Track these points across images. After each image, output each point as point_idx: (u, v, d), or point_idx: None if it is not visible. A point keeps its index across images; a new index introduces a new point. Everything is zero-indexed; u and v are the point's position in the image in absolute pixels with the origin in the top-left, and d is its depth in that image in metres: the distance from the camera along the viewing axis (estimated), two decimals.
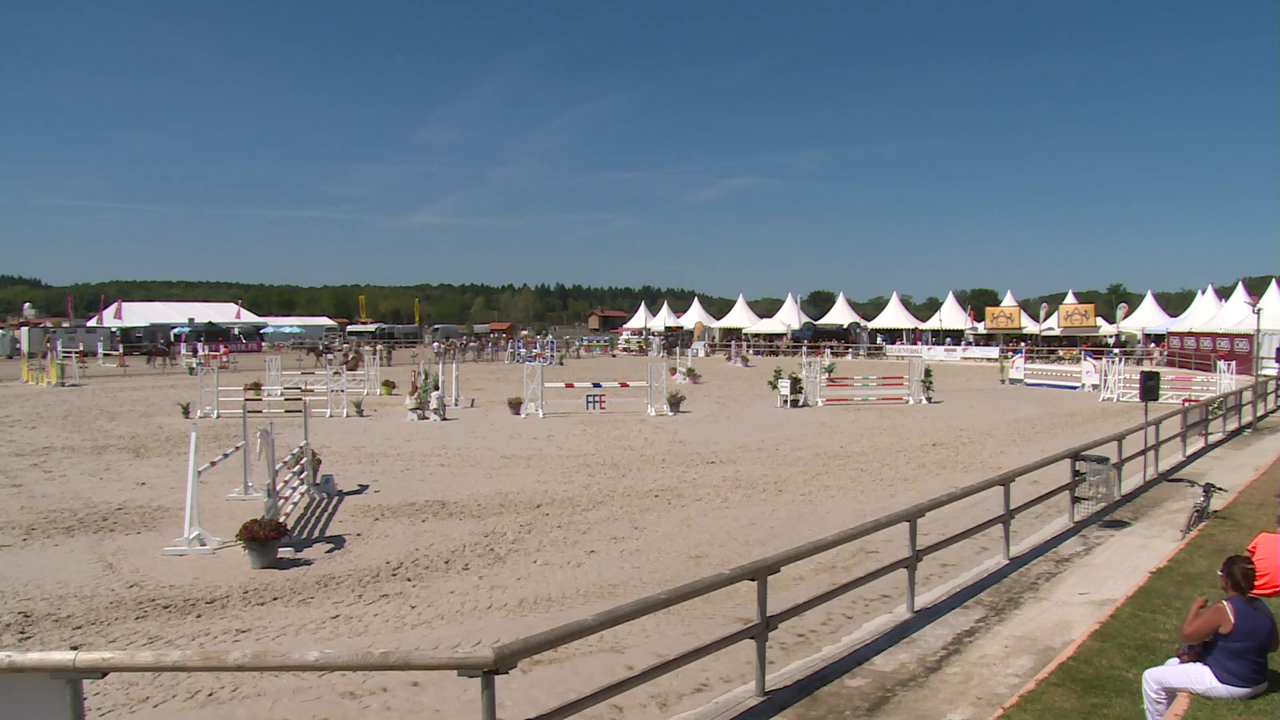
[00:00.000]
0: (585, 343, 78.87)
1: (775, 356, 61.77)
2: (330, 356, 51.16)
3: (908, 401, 29.15)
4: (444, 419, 24.40)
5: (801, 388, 28.59)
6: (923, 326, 69.00)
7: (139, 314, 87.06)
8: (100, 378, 43.56)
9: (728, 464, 17.21)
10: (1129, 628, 7.26)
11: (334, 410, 25.84)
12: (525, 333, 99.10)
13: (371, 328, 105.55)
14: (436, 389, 25.58)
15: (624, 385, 28.33)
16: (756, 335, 72.51)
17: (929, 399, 29.37)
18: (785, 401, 27.93)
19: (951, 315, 67.70)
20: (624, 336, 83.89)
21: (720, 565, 10.11)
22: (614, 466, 16.90)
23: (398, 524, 12.24)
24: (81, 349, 54.21)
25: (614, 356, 70.39)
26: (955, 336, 65.38)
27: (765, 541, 11.29)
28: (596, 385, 27.69)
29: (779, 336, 70.90)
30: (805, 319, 74.18)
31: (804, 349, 51.20)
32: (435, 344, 71.59)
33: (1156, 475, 14.60)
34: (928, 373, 30.44)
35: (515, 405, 25.93)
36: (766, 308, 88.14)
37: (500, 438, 20.91)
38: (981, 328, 63.87)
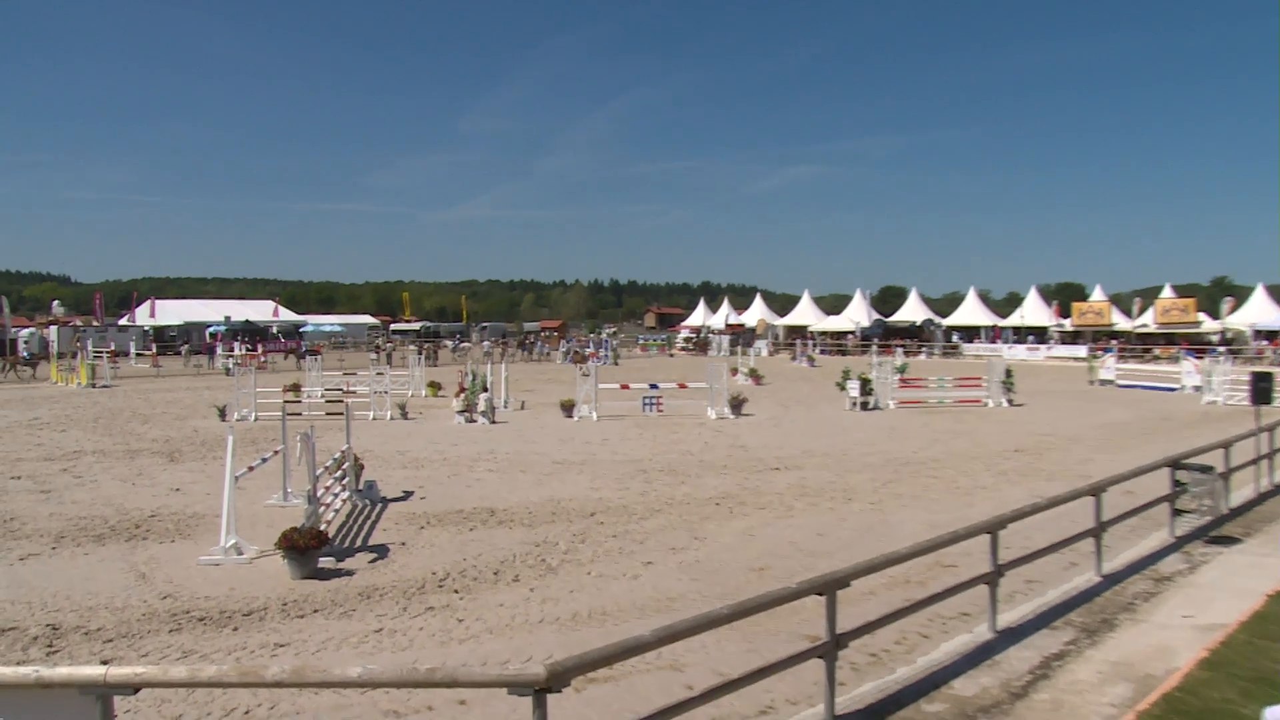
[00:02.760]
0: (641, 341, 79.10)
1: (843, 356, 61.22)
2: (374, 357, 51.95)
3: (986, 404, 28.72)
4: (492, 422, 24.63)
5: (872, 389, 28.36)
6: (1002, 323, 67.80)
7: (172, 312, 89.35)
8: (132, 378, 44.77)
9: (792, 470, 17.11)
10: (1243, 656, 6.99)
11: (377, 413, 26.26)
12: (582, 333, 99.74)
13: (416, 326, 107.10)
14: (484, 390, 25.83)
15: (682, 386, 28.29)
16: (823, 333, 72.04)
17: (1010, 401, 28.90)
18: (854, 404, 27.74)
19: (1034, 311, 66.37)
20: (682, 335, 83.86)
21: (785, 578, 10.01)
22: (672, 472, 16.89)
23: (444, 532, 12.35)
24: (113, 348, 55.63)
25: (671, 356, 70.29)
26: (1038, 334, 64.13)
27: (833, 553, 11.16)
28: (653, 386, 27.68)
29: (847, 334, 70.29)
30: (875, 316, 73.44)
31: (874, 348, 50.61)
32: (484, 343, 72.37)
33: (1271, 487, 14.13)
34: (1008, 373, 29.92)
35: (568, 408, 26.10)
36: (833, 304, 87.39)
37: (552, 442, 21.04)
38: (1068, 324, 62.56)
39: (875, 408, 27.91)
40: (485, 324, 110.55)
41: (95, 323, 78.71)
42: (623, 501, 14.30)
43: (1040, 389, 35.40)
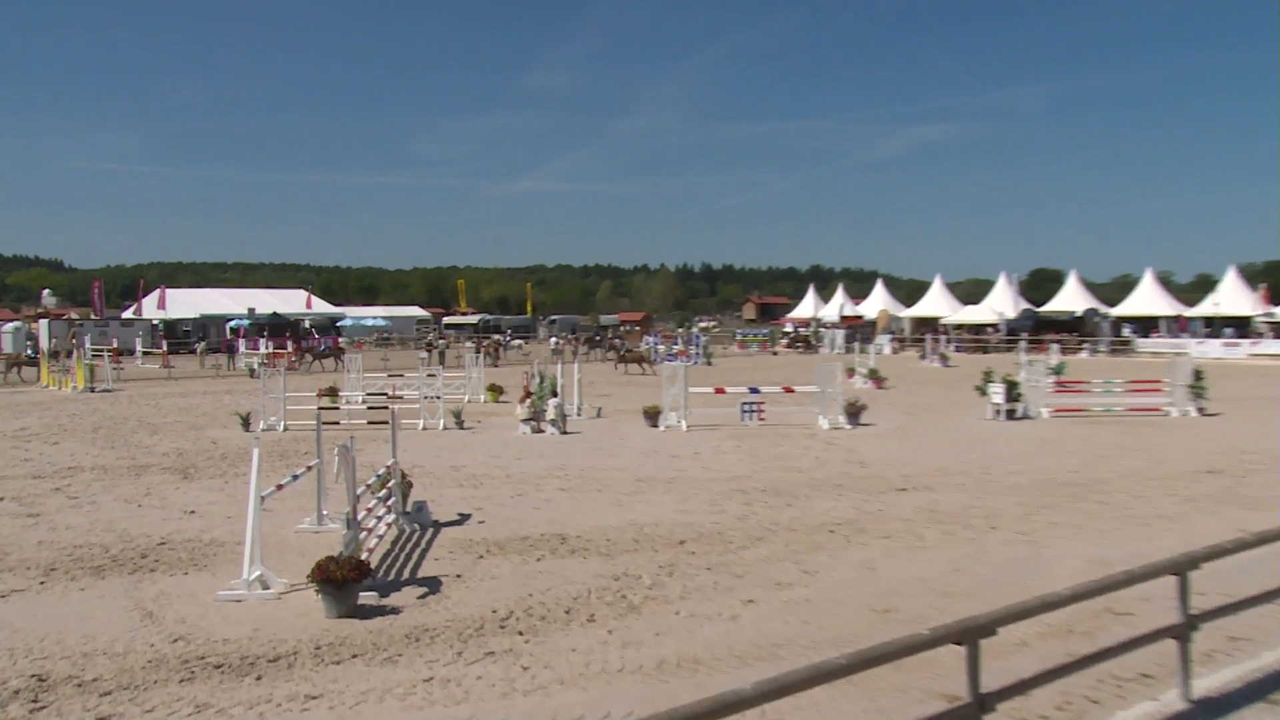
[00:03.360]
0: (739, 337, 78.99)
1: (984, 354, 60.35)
2: (424, 356, 52.89)
3: (1169, 413, 27.99)
4: (563, 432, 24.96)
5: (1020, 394, 27.99)
6: (1189, 313, 65.95)
7: (186, 303, 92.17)
8: (139, 381, 46.34)
9: (922, 491, 16.93)
10: None
11: (428, 421, 26.77)
12: (668, 327, 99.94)
13: (473, 319, 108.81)
14: (554, 395, 26.17)
15: (788, 391, 28.18)
16: (959, 326, 71.29)
17: (1200, 410, 28.11)
18: (998, 412, 27.44)
19: (1233, 297, 64.25)
20: (787, 328, 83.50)
21: (914, 622, 9.87)
22: (776, 493, 16.84)
23: (506, 563, 12.50)
24: (115, 346, 57.12)
25: (775, 354, 70.28)
26: (1239, 325, 62.14)
27: (973, 593, 10.98)
28: (753, 390, 27.62)
29: (988, 328, 69.40)
30: (1023, 305, 72.27)
31: (1022, 344, 49.68)
32: (552, 339, 73.18)
33: None
34: (1198, 374, 29.03)
35: (652, 415, 26.33)
36: (971, 291, 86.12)
37: (633, 455, 21.23)
38: (1278, 313, 60.51)
39: (1024, 417, 27.54)
40: (554, 316, 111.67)
41: (94, 316, 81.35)
42: (718, 527, 14.29)
43: (1242, 395, 34.43)
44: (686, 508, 15.69)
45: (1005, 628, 6.82)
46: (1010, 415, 27.39)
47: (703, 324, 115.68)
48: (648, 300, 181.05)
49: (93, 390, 39.93)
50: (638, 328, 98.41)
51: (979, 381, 30.00)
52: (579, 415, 28.37)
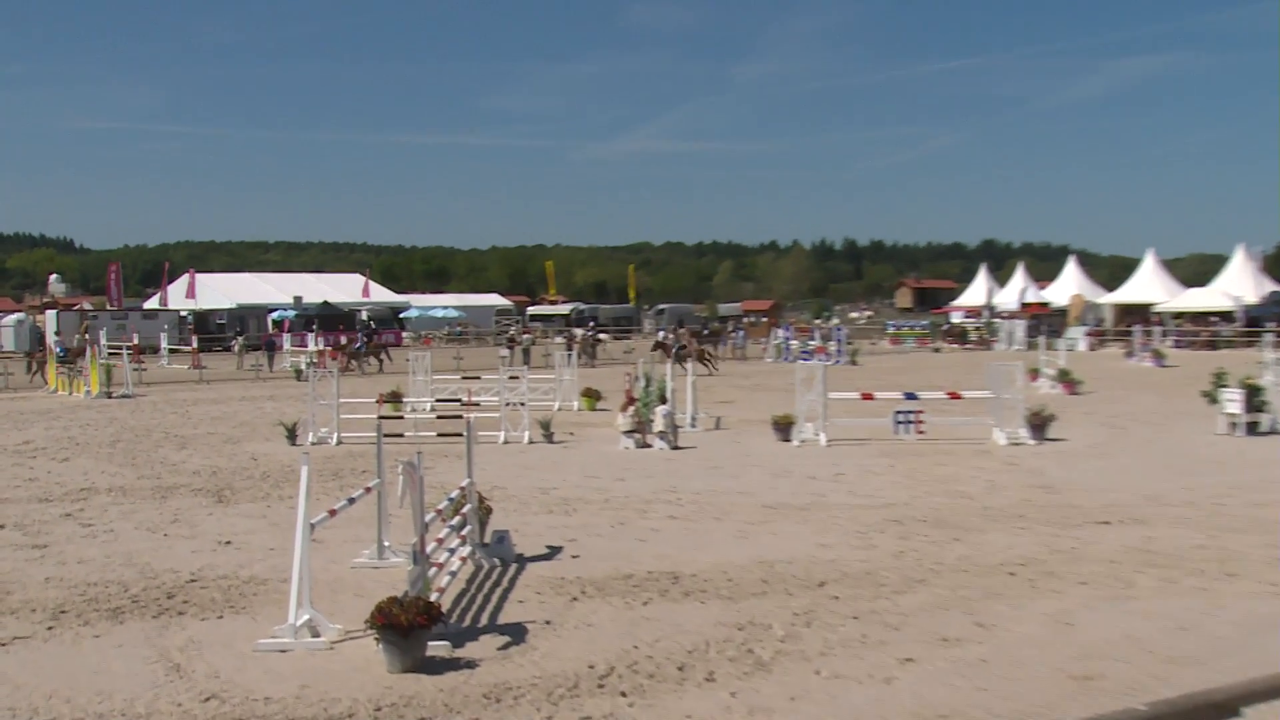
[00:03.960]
0: (891, 330, 78.30)
1: (1212, 350, 58.82)
2: (505, 354, 53.54)
3: None
4: (675, 446, 25.16)
5: (1265, 402, 27.26)
6: None
7: (220, 290, 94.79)
8: (164, 384, 47.75)
9: (1131, 525, 16.55)
10: None
11: (510, 433, 27.10)
12: (802, 318, 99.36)
13: (564, 308, 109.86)
14: (663, 401, 26.28)
15: (954, 397, 27.79)
16: (1178, 315, 69.82)
17: None
18: (1234, 425, 26.78)
19: None
20: (953, 318, 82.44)
21: (1123, 693, 9.64)
22: (940, 524, 16.64)
23: (606, 607, 12.53)
24: (135, 342, 58.50)
25: (937, 350, 69.86)
26: None
27: (1204, 660, 10.66)
28: (910, 396, 27.30)
29: (1218, 317, 67.56)
30: (1270, 286, 70.24)
31: (1267, 338, 48.18)
32: (661, 332, 73.43)
33: None
34: None
35: (784, 426, 26.30)
36: (1196, 270, 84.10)
37: (760, 476, 21.28)
38: None
39: (1272, 431, 26.85)
40: (663, 305, 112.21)
41: (110, 306, 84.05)
42: (866, 566, 14.13)
43: None
44: (827, 541, 15.58)
45: (1253, 707, 6.58)
46: (1252, 429, 26.66)
47: (852, 314, 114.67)
48: (777, 285, 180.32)
49: (109, 396, 41.16)
50: (764, 319, 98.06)
51: (1207, 386, 29.33)
52: (693, 426, 28.51)
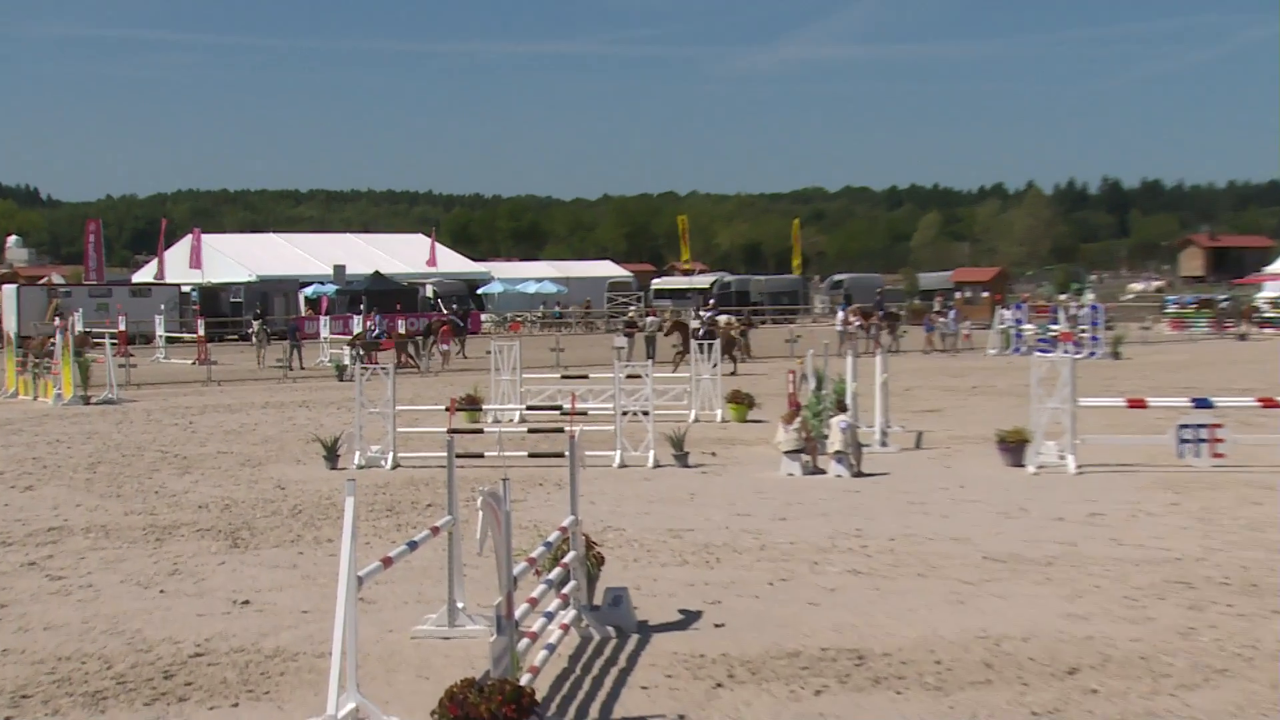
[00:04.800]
0: (1169, 307, 76.67)
1: None
2: (622, 344, 53.71)
3: None
4: (858, 472, 25.04)
5: None
6: None
7: (235, 257, 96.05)
8: (160, 385, 48.57)
9: None
10: None
11: (628, 452, 27.23)
12: (1045, 291, 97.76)
13: (702, 280, 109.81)
14: (842, 410, 26.03)
15: (1268, 404, 27.15)
16: None
17: None
18: None
19: None
20: (1267, 290, 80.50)
21: None
22: (1251, 590, 16.22)
23: (763, 697, 12.45)
24: (122, 328, 59.48)
25: (1242, 339, 68.99)
26: None
27: None
28: (1201, 404, 26.75)
29: None
30: None
31: None
32: (840, 312, 72.85)
33: None
34: None
35: (1014, 445, 26.02)
36: None
37: (981, 514, 21.12)
38: None
39: None
40: (840, 275, 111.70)
41: (88, 278, 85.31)
42: (1139, 647, 13.84)
43: None
44: (1080, 610, 15.29)
45: None
46: None
47: (1135, 285, 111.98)
48: (1004, 246, 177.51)
49: (86, 401, 42.00)
50: (985, 293, 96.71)
51: None
52: (884, 444, 28.39)
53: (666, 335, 53.03)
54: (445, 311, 75.99)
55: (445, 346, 58.09)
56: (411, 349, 56.88)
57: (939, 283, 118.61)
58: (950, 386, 43.67)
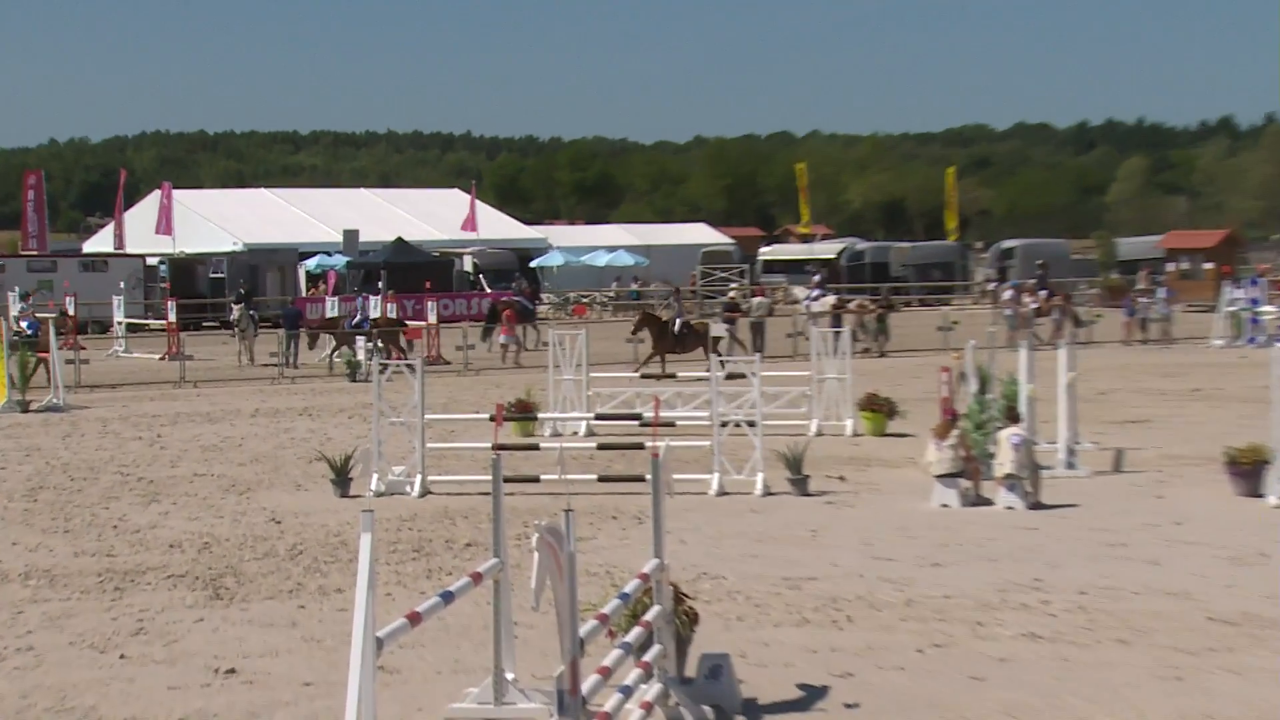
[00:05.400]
0: None
1: None
2: (721, 333, 53.68)
3: None
4: (1036, 503, 24.97)
5: None
6: None
7: (214, 218, 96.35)
8: (120, 387, 49.03)
9: None
10: None
11: (730, 476, 27.16)
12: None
13: (827, 250, 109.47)
14: (1013, 420, 25.95)
15: None
16: None
17: None
18: None
19: None
20: None
21: None
22: None
23: None
24: (71, 312, 60.25)
25: None
26: None
27: None
28: None
29: None
30: None
31: None
32: (1008, 291, 72.20)
33: None
34: None
35: (1247, 469, 25.77)
36: None
37: (1204, 561, 20.91)
38: None
39: None
40: (1010, 241, 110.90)
41: (26, 247, 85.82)
42: None
43: None
44: None
45: None
46: None
47: None
48: (1234, 200, 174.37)
49: (24, 408, 42.37)
50: (1208, 264, 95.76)
51: None
52: (1072, 466, 28.14)
53: (635, 334, 52.94)
54: (510, 290, 75.28)
55: (507, 338, 58.05)
56: (404, 341, 56.90)
57: (1144, 250, 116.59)
58: (1161, 389, 43.34)
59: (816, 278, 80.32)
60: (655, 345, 51.57)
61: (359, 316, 60.02)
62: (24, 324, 53.93)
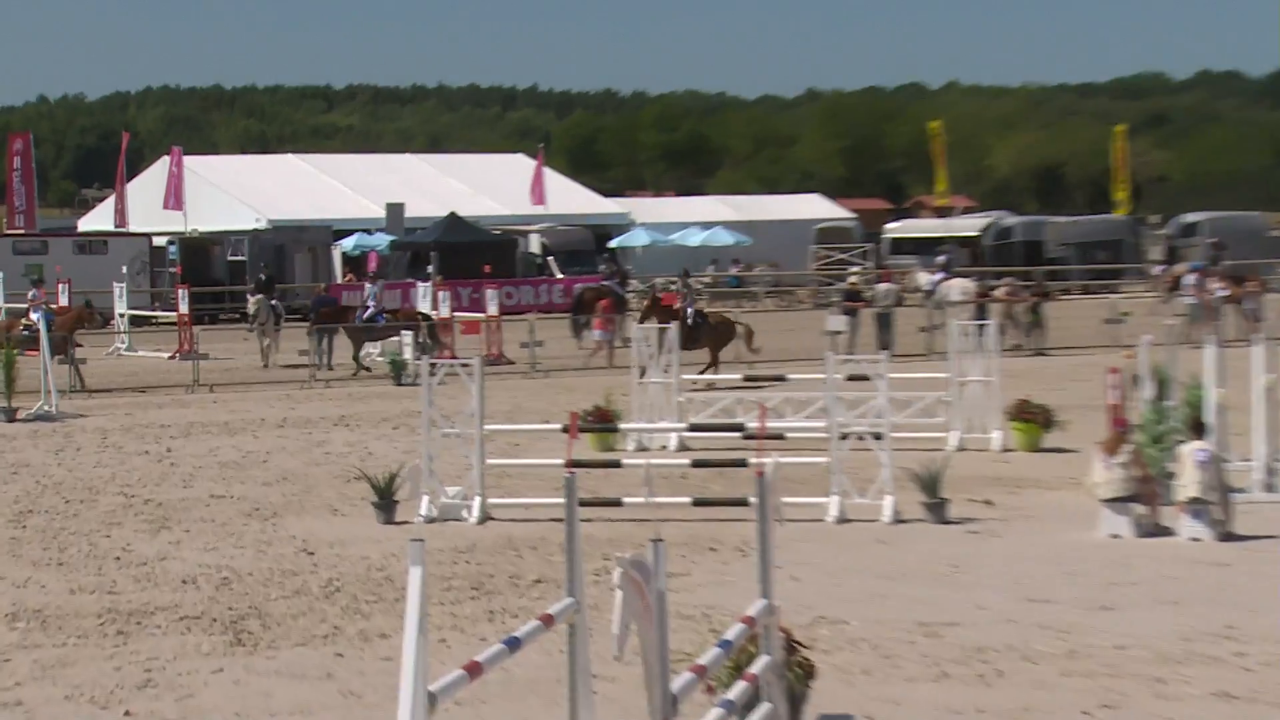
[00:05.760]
0: None
1: None
2: (841, 326, 53.76)
3: None
4: (1225, 532, 24.77)
5: None
6: None
7: (233, 189, 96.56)
8: (122, 394, 49.51)
9: None
10: None
11: (852, 500, 27.10)
12: None
13: (966, 224, 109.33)
14: (1198, 432, 25.73)
15: None
16: None
17: None
18: None
19: None
20: None
21: None
22: None
23: None
24: (64, 301, 60.99)
25: None
26: None
27: None
28: None
29: None
30: None
31: None
32: (1191, 275, 72.04)
33: None
34: None
35: None
36: None
37: None
38: None
39: None
40: (1194, 215, 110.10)
41: (12, 225, 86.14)
42: None
43: None
44: None
45: None
46: None
47: None
48: None
49: (11, 417, 42.81)
50: None
51: None
52: (1272, 490, 27.80)
53: (641, 323, 51.19)
54: (600, 275, 74.82)
55: (603, 334, 57.90)
56: (427, 336, 56.74)
57: None
58: None
59: (941, 258, 79.52)
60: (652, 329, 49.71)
61: (371, 308, 59.76)
62: (35, 315, 53.92)
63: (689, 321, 51.16)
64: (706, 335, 51.66)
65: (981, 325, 37.78)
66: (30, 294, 59.09)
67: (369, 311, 59.68)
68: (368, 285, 61.04)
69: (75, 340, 51.28)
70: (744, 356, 51.33)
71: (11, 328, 51.85)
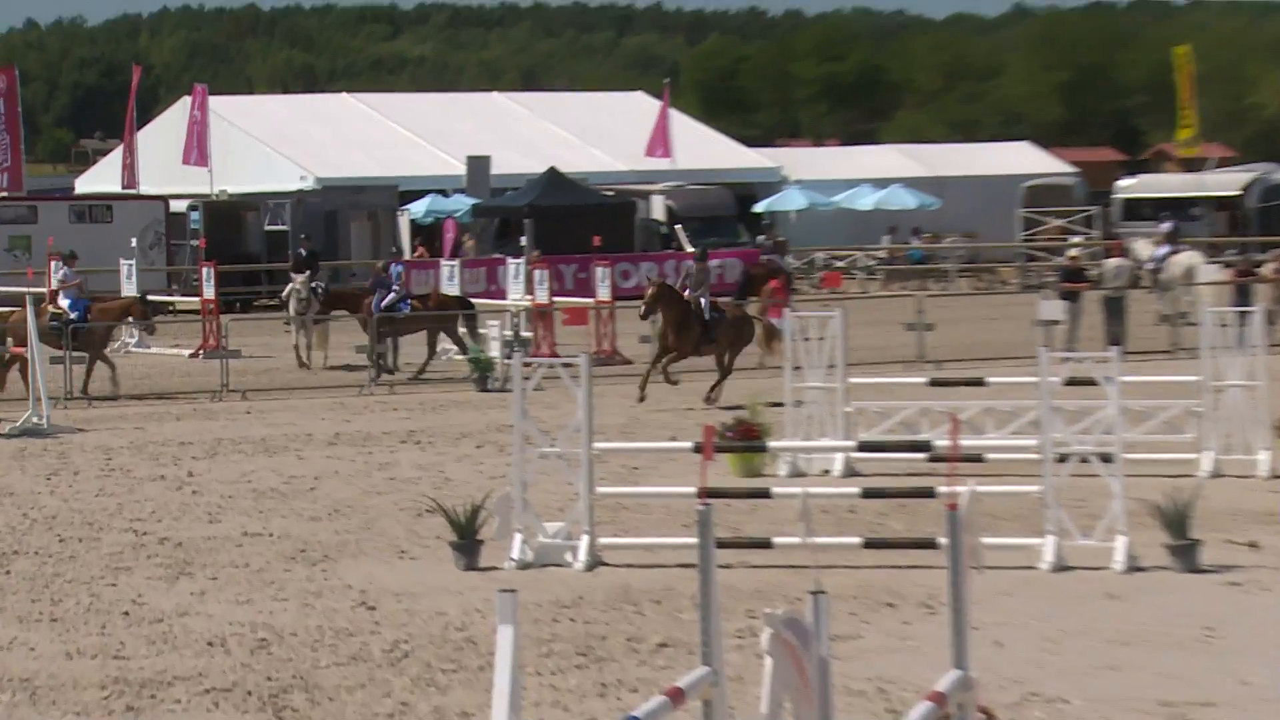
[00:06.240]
0: None
1: None
2: (1057, 313, 53.92)
3: None
4: None
5: None
6: None
7: (270, 140, 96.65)
8: (131, 403, 49.67)
9: None
10: None
11: (1074, 540, 26.80)
12: None
13: (1220, 180, 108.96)
14: None
15: None
16: None
17: None
18: None
19: None
20: None
21: None
22: None
23: None
24: (72, 280, 60.92)
25: None
26: None
27: None
28: None
29: None
30: None
31: None
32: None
33: None
34: None
35: None
36: None
37: None
38: None
39: None
40: None
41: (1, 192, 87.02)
42: None
43: None
44: None
45: None
46: None
47: None
48: None
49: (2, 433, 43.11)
50: None
51: None
52: None
53: (644, 317, 51.98)
54: (759, 250, 74.83)
55: (776, 321, 57.78)
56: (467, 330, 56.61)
57: None
58: None
59: (1166, 226, 78.33)
60: (673, 338, 50.42)
61: (395, 290, 59.51)
62: (64, 301, 53.81)
63: (706, 316, 51.01)
64: (726, 331, 51.47)
65: (1244, 313, 37.53)
66: (60, 273, 58.82)
67: (390, 297, 59.26)
68: (391, 265, 59.98)
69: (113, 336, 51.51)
70: (766, 362, 51.15)
71: (38, 316, 51.04)
